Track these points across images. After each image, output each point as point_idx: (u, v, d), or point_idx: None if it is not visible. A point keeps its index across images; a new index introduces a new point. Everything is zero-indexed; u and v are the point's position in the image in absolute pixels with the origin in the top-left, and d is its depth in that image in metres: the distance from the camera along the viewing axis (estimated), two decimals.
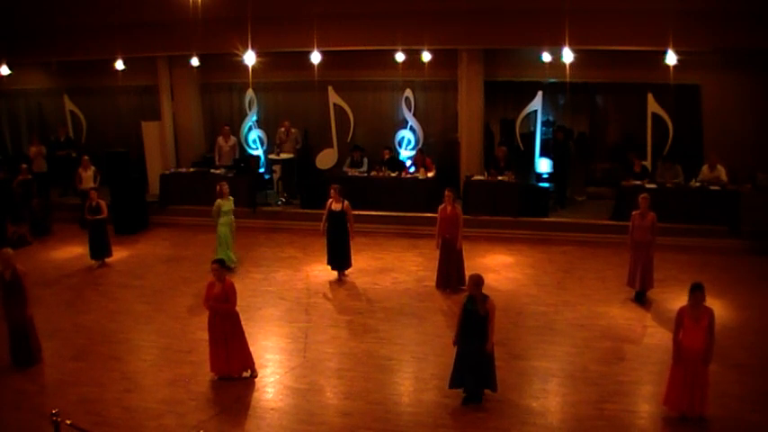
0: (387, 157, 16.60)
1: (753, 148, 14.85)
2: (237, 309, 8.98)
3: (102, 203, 13.70)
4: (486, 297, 8.12)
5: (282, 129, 17.28)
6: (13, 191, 15.87)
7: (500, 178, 15.48)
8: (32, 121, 20.96)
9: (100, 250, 13.76)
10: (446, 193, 11.86)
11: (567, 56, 13.42)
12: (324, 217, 12.49)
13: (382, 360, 9.63)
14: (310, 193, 16.50)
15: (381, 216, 15.76)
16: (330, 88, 17.72)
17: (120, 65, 17.06)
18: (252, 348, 9.24)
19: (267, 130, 18.38)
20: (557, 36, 13.43)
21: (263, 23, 14.59)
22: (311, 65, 14.87)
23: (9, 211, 15.60)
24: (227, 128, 17.62)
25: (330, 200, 12.42)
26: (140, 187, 17.03)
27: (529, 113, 16.69)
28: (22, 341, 9.54)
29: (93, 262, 13.78)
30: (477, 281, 8.12)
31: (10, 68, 16.69)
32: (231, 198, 13.15)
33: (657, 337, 9.95)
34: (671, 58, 13.15)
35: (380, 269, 13.27)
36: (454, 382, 8.36)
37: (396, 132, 17.57)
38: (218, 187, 13.04)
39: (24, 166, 16.46)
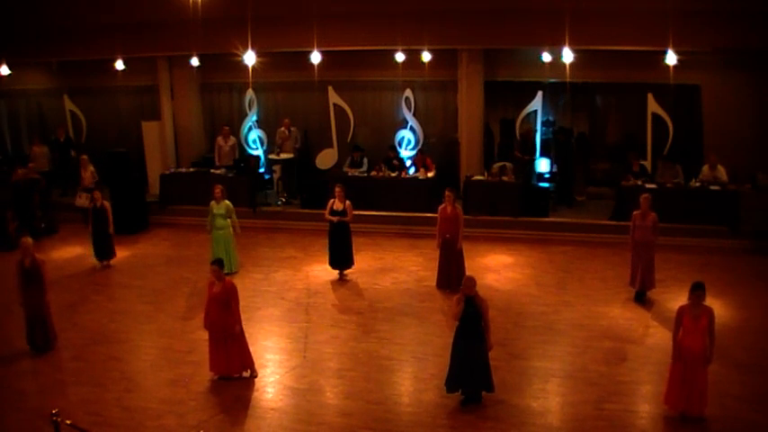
0: (392, 156, 16.55)
1: (753, 148, 14.86)
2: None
3: (107, 204, 13.67)
4: (478, 296, 8.18)
5: (283, 128, 17.26)
6: (16, 189, 15.85)
7: (504, 179, 15.52)
8: (32, 121, 20.96)
9: (103, 251, 13.77)
10: (446, 193, 11.85)
11: (567, 56, 13.43)
12: (327, 213, 12.46)
13: (382, 360, 9.63)
14: (310, 193, 16.52)
15: (381, 216, 15.76)
16: (330, 88, 17.72)
17: (120, 65, 17.07)
18: (252, 348, 9.24)
19: (267, 130, 18.38)
20: (557, 36, 13.44)
21: (263, 23, 14.59)
22: (311, 65, 14.87)
23: (11, 209, 15.58)
24: (226, 128, 17.62)
25: (333, 199, 12.42)
26: (140, 187, 17.03)
27: (529, 113, 16.70)
28: (39, 327, 9.96)
29: (97, 262, 13.82)
30: (475, 282, 8.21)
31: (10, 68, 16.68)
32: (226, 202, 12.83)
33: (658, 337, 9.96)
34: (671, 58, 13.15)
35: (380, 269, 13.27)
36: (451, 386, 8.37)
37: (396, 132, 17.56)
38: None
39: (32, 165, 16.50)
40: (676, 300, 9.57)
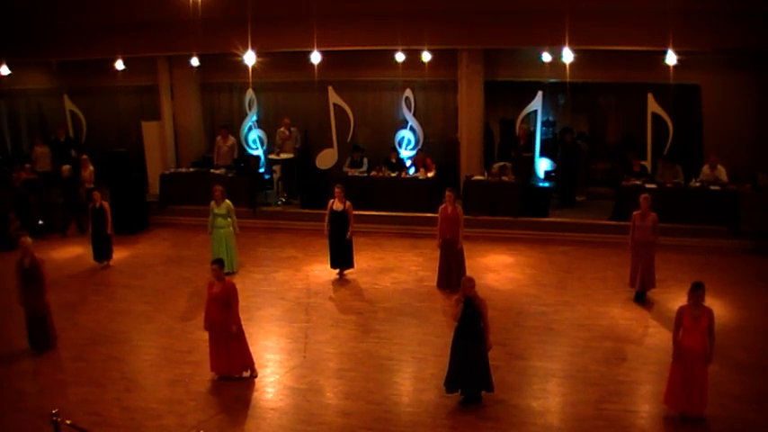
0: (393, 158, 16.56)
1: (753, 148, 14.86)
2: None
3: (106, 205, 13.67)
4: (477, 297, 8.18)
5: (283, 128, 17.26)
6: (16, 189, 15.86)
7: (503, 179, 15.51)
8: (32, 121, 20.96)
9: (101, 252, 13.76)
10: (447, 193, 11.85)
11: (567, 56, 13.43)
12: (326, 217, 12.50)
13: (382, 360, 9.63)
14: (310, 193, 16.53)
15: (381, 216, 15.76)
16: (330, 88, 17.70)
17: (120, 65, 17.09)
18: (252, 348, 9.24)
19: (267, 130, 18.38)
20: (557, 36, 13.44)
21: (263, 23, 14.59)
22: (311, 65, 14.87)
23: (13, 209, 15.59)
24: (224, 129, 17.63)
25: (333, 200, 12.42)
26: (140, 187, 17.03)
27: (529, 113, 16.69)
28: (39, 327, 9.98)
29: (96, 263, 13.81)
30: (474, 282, 8.21)
31: (10, 68, 16.69)
32: (226, 201, 12.90)
33: (658, 338, 9.95)
34: (671, 58, 13.15)
35: (380, 269, 13.27)
36: (450, 387, 8.38)
37: (396, 132, 17.56)
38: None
39: (28, 165, 16.49)
40: (676, 300, 9.57)
